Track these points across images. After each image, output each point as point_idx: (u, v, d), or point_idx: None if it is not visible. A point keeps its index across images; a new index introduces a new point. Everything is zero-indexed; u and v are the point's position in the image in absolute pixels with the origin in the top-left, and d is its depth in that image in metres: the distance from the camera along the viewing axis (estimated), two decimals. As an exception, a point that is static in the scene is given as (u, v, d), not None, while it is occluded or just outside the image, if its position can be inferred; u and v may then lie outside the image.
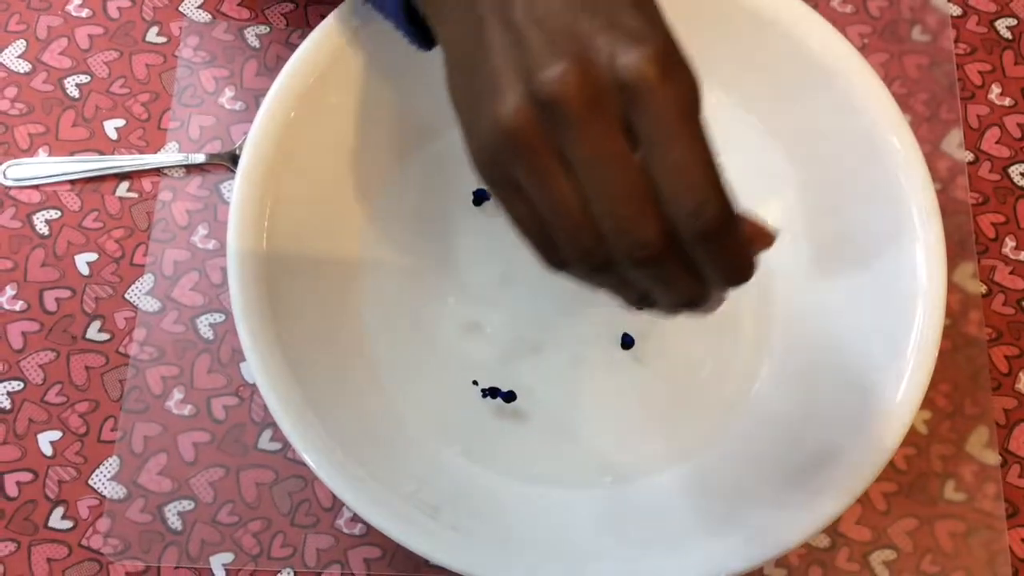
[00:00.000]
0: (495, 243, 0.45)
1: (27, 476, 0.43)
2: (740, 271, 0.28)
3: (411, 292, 0.44)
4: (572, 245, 0.28)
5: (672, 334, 0.44)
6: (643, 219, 0.27)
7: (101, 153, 0.47)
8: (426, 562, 0.42)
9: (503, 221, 0.45)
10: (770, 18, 0.41)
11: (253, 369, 0.37)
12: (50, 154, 0.47)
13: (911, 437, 0.45)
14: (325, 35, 0.40)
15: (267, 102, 0.39)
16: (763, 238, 0.30)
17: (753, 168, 0.45)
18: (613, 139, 0.27)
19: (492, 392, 0.43)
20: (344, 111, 0.42)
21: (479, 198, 0.45)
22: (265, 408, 0.44)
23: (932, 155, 0.48)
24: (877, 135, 0.39)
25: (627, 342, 0.44)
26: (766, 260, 0.44)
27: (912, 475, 0.44)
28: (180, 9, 0.50)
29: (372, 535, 0.43)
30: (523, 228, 0.29)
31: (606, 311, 0.44)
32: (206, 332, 0.45)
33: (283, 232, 0.39)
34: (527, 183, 0.28)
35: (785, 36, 0.41)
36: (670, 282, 0.28)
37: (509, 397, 0.43)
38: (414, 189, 0.45)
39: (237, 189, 0.38)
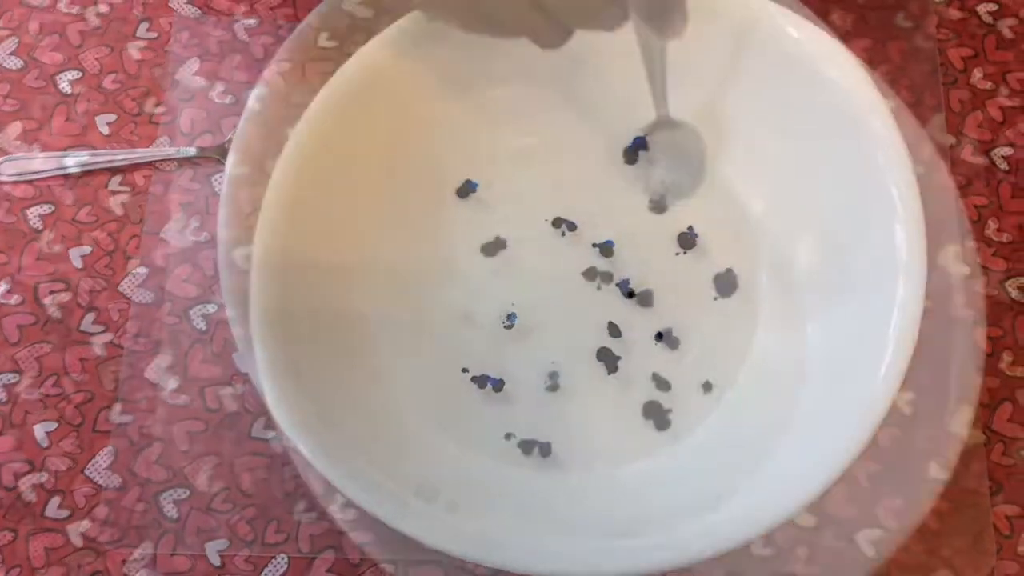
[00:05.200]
0: (484, 235, 0.46)
1: (24, 466, 0.44)
2: None
3: (405, 283, 0.45)
4: None
5: (660, 320, 0.44)
6: None
7: (94, 148, 0.48)
8: (420, 546, 0.43)
9: (490, 213, 0.46)
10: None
11: (248, 358, 0.37)
12: (43, 149, 0.48)
13: (895, 417, 0.45)
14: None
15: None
16: None
17: (739, 152, 0.46)
18: None
19: (481, 380, 0.44)
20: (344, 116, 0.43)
21: (465, 190, 0.46)
22: (259, 396, 0.44)
23: (915, 140, 0.49)
24: (855, 116, 0.40)
25: (615, 330, 0.44)
26: (750, 241, 0.44)
27: (897, 454, 0.45)
28: (170, 4, 0.50)
29: (365, 520, 0.43)
30: None
31: (595, 297, 0.45)
32: (199, 323, 0.46)
33: (277, 226, 0.40)
34: None
35: (768, 18, 0.42)
36: None
37: (498, 385, 0.43)
38: (407, 183, 0.46)
39: (226, 184, 0.39)
